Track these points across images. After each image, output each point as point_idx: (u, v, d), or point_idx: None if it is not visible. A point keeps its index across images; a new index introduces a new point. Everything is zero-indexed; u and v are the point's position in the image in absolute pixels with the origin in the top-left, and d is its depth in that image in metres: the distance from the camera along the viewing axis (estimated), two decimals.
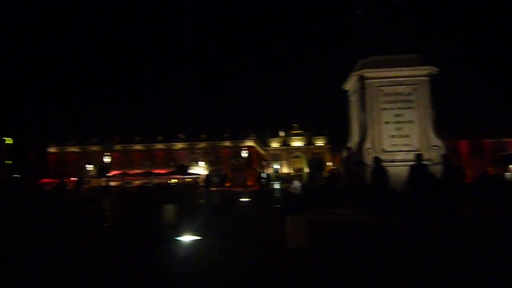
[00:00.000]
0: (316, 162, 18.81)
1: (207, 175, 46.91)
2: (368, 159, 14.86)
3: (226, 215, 16.23)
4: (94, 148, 69.17)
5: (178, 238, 9.65)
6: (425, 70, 15.50)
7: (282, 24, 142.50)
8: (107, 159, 52.45)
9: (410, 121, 15.42)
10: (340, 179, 15.23)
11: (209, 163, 67.98)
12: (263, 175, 66.43)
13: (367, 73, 15.67)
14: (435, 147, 15.01)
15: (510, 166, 49.94)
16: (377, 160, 12.26)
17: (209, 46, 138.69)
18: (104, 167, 49.62)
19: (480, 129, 62.89)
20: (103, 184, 52.03)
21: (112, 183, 55.35)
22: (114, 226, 13.49)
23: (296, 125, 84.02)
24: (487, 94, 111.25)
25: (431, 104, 15.50)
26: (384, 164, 12.42)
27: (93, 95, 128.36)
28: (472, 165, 51.15)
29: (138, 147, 70.02)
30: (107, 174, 49.77)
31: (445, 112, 15.82)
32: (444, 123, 15.91)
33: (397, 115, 15.51)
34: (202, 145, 69.45)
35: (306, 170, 19.66)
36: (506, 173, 45.46)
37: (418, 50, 16.17)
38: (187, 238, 9.65)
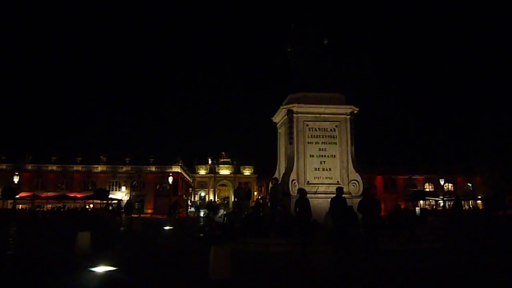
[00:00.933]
0: (242, 191, 18.83)
1: (128, 200, 44.68)
2: (293, 190, 15.26)
3: (146, 244, 15.49)
4: (2, 166, 62.74)
5: (92, 269, 8.96)
6: (347, 108, 16.56)
7: (214, 52, 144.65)
8: (16, 179, 47.84)
9: (333, 156, 16.22)
10: (266, 209, 15.41)
11: (132, 188, 64.98)
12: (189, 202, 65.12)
13: (295, 107, 16.34)
14: (354, 181, 15.89)
15: (420, 201, 54.48)
16: (301, 191, 12.63)
17: (142, 67, 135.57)
18: (11, 187, 45.07)
19: (393, 166, 68.38)
20: (9, 206, 47.17)
21: (20, 206, 50.42)
22: (19, 254, 12.17)
23: (224, 153, 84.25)
24: (401, 133, 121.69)
25: (352, 141, 16.51)
26: (308, 195, 12.83)
27: (4, 106, 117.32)
28: (386, 199, 55.21)
29: (53, 167, 64.88)
30: (15, 196, 45.23)
31: (363, 148, 16.86)
32: (362, 158, 16.96)
33: (321, 149, 16.23)
34: (125, 168, 66.33)
35: (233, 199, 19.62)
36: (417, 208, 49.58)
37: (342, 89, 17.31)
38: (101, 269, 9.01)
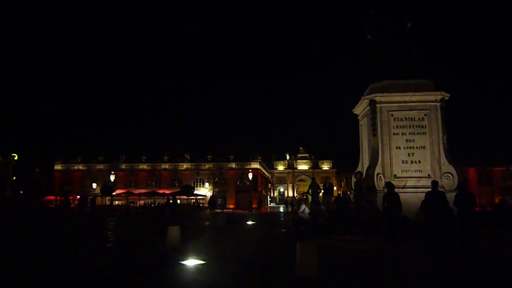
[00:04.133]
0: (317, 186, 18.40)
1: (211, 196, 46.40)
2: (379, 185, 14.51)
3: (231, 239, 15.83)
4: (100, 166, 69.07)
5: (183, 262, 9.31)
6: (437, 95, 15.28)
7: (293, 46, 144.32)
8: (112, 178, 52.27)
9: (422, 147, 15.10)
10: (350, 204, 14.84)
11: (214, 184, 67.49)
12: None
13: (378, 97, 15.49)
14: (448, 174, 14.62)
15: None
16: (389, 185, 11.89)
17: (219, 69, 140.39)
18: (109, 185, 49.32)
19: (488, 157, 62.26)
20: (107, 203, 51.68)
21: (117, 202, 54.96)
22: (117, 247, 13.15)
23: (302, 148, 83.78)
24: (496, 121, 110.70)
25: (443, 130, 15.22)
26: (396, 190, 12.06)
27: (100, 113, 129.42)
28: (480, 193, 50.45)
29: (143, 166, 69.89)
30: (112, 193, 49.42)
31: (454, 138, 15.47)
32: (454, 149, 15.55)
33: (408, 141, 15.21)
34: (207, 166, 69.14)
35: (312, 194, 19.25)
36: None
37: (430, 75, 16.03)
38: (191, 262, 9.31)
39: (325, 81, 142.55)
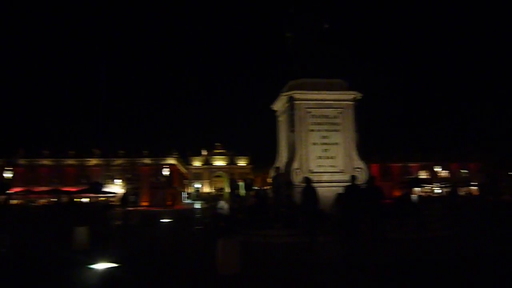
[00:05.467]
0: (247, 182, 18.37)
1: (124, 193, 44.05)
2: (297, 180, 14.83)
3: (145, 238, 15.01)
4: None
5: (92, 266, 8.46)
6: (350, 94, 16.08)
7: (210, 41, 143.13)
8: (8, 174, 46.94)
9: (336, 143, 15.77)
10: (269, 199, 14.97)
11: (127, 181, 64.21)
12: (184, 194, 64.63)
13: (297, 94, 15.82)
14: (358, 169, 15.47)
15: (415, 189, 54.42)
16: (307, 180, 12.18)
17: (134, 59, 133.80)
18: (4, 183, 44.20)
19: (388, 154, 68.34)
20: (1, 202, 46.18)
21: (13, 201, 49.47)
22: (14, 252, 11.61)
23: (219, 144, 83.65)
24: (395, 120, 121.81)
25: (355, 128, 16.07)
26: (312, 184, 12.39)
27: None
28: (382, 187, 55.06)
29: (45, 161, 63.89)
30: (7, 191, 44.34)
31: (362, 136, 16.43)
32: (362, 146, 16.52)
33: (324, 137, 15.78)
34: (119, 161, 65.53)
35: (228, 190, 19.22)
36: (412, 196, 49.54)
37: (345, 75, 16.79)
38: (101, 266, 8.51)
39: (242, 78, 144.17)
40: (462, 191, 61.61)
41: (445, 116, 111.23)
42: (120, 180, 63.81)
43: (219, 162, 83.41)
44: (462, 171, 70.82)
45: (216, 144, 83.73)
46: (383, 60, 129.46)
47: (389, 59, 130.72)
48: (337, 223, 12.11)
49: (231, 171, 77.79)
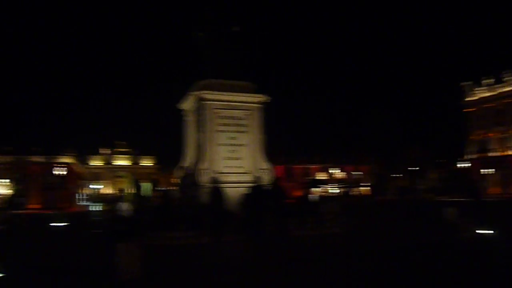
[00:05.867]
0: (141, 183, 17.70)
1: (11, 195, 39.50)
2: (204, 180, 14.74)
3: (36, 244, 13.61)
4: None
5: None
6: (258, 97, 16.48)
7: (117, 37, 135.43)
8: None
9: (243, 145, 16.05)
10: (175, 200, 14.64)
11: (14, 181, 57.61)
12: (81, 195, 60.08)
13: (206, 94, 15.75)
14: (264, 170, 15.94)
15: (314, 189, 57.97)
16: (214, 181, 12.20)
17: (33, 51, 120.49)
18: None
19: (291, 156, 71.94)
20: None
21: None
22: None
23: (122, 142, 79.67)
24: (297, 125, 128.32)
25: (262, 130, 16.54)
26: (219, 185, 12.45)
27: None
28: (286, 188, 57.69)
29: None
30: None
31: (268, 138, 17.01)
32: (267, 148, 17.10)
33: (231, 138, 15.94)
34: (4, 159, 58.54)
35: (133, 190, 18.43)
36: (311, 196, 52.73)
37: (253, 78, 17.20)
38: None
39: (149, 76, 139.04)
40: (354, 191, 67.35)
41: (342, 121, 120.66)
42: (7, 180, 57.10)
43: (122, 161, 79.46)
44: (355, 173, 77.37)
45: (119, 142, 79.59)
46: (291, 64, 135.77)
47: (297, 63, 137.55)
48: (242, 222, 12.32)
49: (135, 171, 74.54)
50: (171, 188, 19.63)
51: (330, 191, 68.13)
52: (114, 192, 71.44)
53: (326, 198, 50.58)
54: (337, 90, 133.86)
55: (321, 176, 73.92)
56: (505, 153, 57.51)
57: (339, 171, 73.70)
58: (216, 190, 11.80)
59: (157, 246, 10.79)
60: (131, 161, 79.35)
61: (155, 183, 17.03)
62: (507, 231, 12.97)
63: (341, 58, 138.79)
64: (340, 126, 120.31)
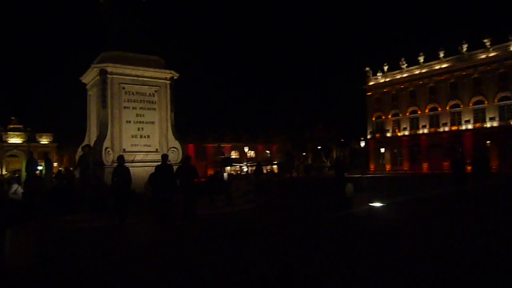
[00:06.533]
0: (34, 162, 16.15)
1: None
2: (107, 159, 13.91)
3: None
4: None
5: None
6: (167, 73, 15.83)
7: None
8: None
9: (152, 122, 15.41)
10: (74, 181, 13.61)
11: None
12: None
13: (110, 67, 14.67)
14: (174, 149, 15.52)
15: (227, 167, 58.55)
16: (120, 159, 11.57)
17: None
18: None
19: (203, 135, 71.45)
20: None
21: None
22: None
23: (14, 118, 71.67)
24: (210, 102, 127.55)
25: (172, 107, 15.99)
26: (125, 164, 11.86)
27: None
28: (197, 166, 57.32)
29: None
30: None
31: (179, 116, 16.62)
32: (178, 126, 16.70)
33: (139, 115, 15.19)
34: None
35: (27, 171, 16.77)
36: (224, 173, 53.27)
37: (161, 53, 16.45)
38: None
39: (48, 45, 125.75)
40: (265, 169, 69.48)
41: (253, 101, 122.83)
42: None
43: (15, 139, 71.66)
44: (266, 151, 79.73)
45: (11, 118, 71.46)
46: (202, 41, 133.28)
47: (208, 38, 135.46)
48: (149, 203, 11.95)
49: (30, 149, 67.83)
50: (70, 168, 18.21)
51: (242, 169, 69.49)
52: (6, 172, 64.52)
53: (237, 176, 51.69)
54: (249, 68, 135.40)
55: (234, 154, 74.87)
56: (399, 134, 63.78)
57: (251, 149, 75.30)
58: (121, 169, 11.21)
59: (54, 230, 9.96)
60: (25, 138, 71.94)
61: (48, 162, 15.58)
62: (395, 204, 14.48)
63: (253, 35, 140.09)
64: (251, 105, 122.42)
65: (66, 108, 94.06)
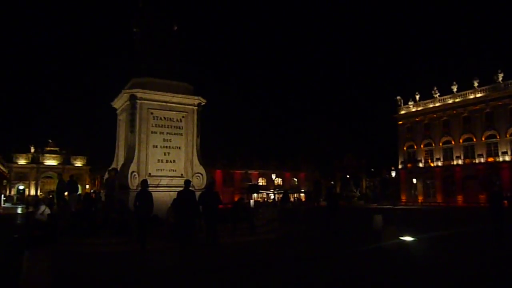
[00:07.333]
0: (64, 183, 16.44)
1: None
2: (133, 183, 13.97)
3: None
4: None
5: None
6: (195, 99, 15.99)
7: (56, 30, 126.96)
8: None
9: (178, 147, 15.48)
10: (99, 204, 13.72)
11: None
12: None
13: (140, 93, 14.99)
14: (198, 174, 15.47)
15: (254, 194, 58.17)
16: (143, 183, 11.55)
17: None
18: None
19: (231, 161, 71.66)
20: None
21: None
22: None
23: (51, 141, 74.63)
24: (239, 129, 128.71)
25: (198, 133, 16.07)
26: (150, 188, 11.85)
27: None
28: (224, 192, 57.26)
29: None
30: None
31: (203, 142, 16.61)
32: (203, 152, 16.67)
33: (165, 140, 15.31)
34: None
35: (57, 193, 17.09)
36: (250, 201, 52.96)
37: (190, 79, 16.68)
38: None
39: (82, 71, 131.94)
40: (292, 197, 68.54)
41: (282, 129, 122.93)
42: None
43: (51, 161, 74.40)
44: (294, 179, 78.90)
45: (48, 140, 74.48)
46: (231, 67, 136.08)
47: (237, 66, 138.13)
48: (171, 228, 11.79)
49: (64, 171, 70.07)
50: (97, 191, 18.46)
51: (269, 196, 68.82)
52: (40, 193, 66.64)
53: (263, 204, 51.16)
54: (278, 97, 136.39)
55: (261, 181, 74.46)
56: (431, 164, 61.71)
57: (278, 176, 74.71)
58: (144, 194, 11.17)
59: (75, 253, 9.93)
60: (61, 160, 74.49)
61: (74, 185, 15.79)
62: (428, 238, 13.68)
63: (287, 63, 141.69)
64: (280, 132, 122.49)
65: (99, 132, 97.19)
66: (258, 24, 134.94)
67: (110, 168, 15.29)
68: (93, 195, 17.97)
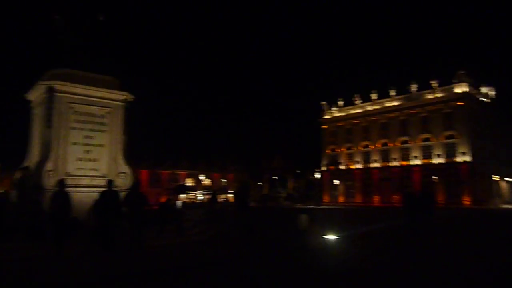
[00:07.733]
0: None
1: None
2: (49, 183, 12.86)
3: None
4: None
5: None
6: (121, 95, 15.17)
7: None
8: None
9: (101, 145, 14.56)
10: (9, 206, 12.43)
11: None
12: None
13: (59, 85, 13.85)
14: (123, 174, 14.71)
15: (181, 195, 57.03)
16: (61, 183, 10.68)
17: None
18: None
19: (157, 161, 69.68)
20: None
21: None
22: None
23: None
24: (166, 129, 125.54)
25: (123, 130, 15.27)
26: (68, 189, 10.99)
27: None
28: (150, 193, 55.35)
29: None
30: None
31: (129, 140, 15.91)
32: (128, 151, 15.92)
33: (87, 137, 14.31)
34: None
35: None
36: (178, 202, 51.82)
37: (115, 74, 15.78)
38: None
39: None
40: (221, 198, 68.44)
41: (210, 130, 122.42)
42: None
43: None
44: (222, 180, 78.88)
45: None
46: (158, 65, 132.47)
47: (165, 63, 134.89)
48: (91, 231, 11.05)
49: None
50: (8, 191, 16.76)
51: (197, 197, 68.03)
52: None
53: (191, 205, 50.36)
54: (208, 96, 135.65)
55: (189, 182, 73.36)
56: (352, 167, 65.47)
57: (206, 177, 74.16)
58: (61, 194, 10.33)
59: None
60: None
61: None
62: (350, 237, 14.41)
63: (214, 65, 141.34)
64: (209, 133, 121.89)
65: (10, 127, 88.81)
66: (194, 23, 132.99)
67: (22, 167, 13.95)
68: (3, 196, 16.23)
